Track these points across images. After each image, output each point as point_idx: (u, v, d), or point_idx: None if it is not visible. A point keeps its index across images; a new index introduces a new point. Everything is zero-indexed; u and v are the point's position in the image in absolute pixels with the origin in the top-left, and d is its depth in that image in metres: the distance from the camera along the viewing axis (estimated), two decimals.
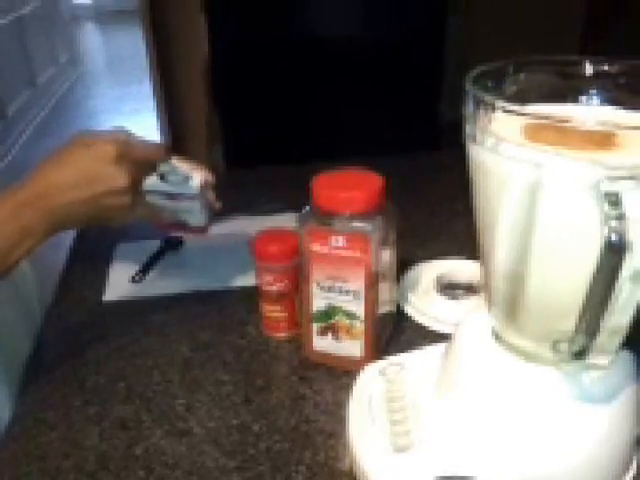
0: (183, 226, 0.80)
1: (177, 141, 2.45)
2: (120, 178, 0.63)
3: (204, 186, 0.77)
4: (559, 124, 0.35)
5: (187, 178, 0.76)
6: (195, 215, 0.78)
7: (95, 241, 0.98)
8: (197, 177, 0.76)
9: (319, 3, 1.88)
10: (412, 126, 1.96)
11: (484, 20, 2.48)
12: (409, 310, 0.78)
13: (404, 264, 0.82)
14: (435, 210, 1.05)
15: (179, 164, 0.76)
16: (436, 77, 2.01)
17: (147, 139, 0.69)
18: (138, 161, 0.65)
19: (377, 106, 1.95)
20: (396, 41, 1.95)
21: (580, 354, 0.38)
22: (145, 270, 0.89)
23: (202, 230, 0.82)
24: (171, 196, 0.76)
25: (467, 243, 0.90)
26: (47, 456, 0.61)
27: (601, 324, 0.36)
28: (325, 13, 1.88)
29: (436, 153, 1.35)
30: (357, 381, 0.60)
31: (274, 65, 1.95)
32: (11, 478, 0.59)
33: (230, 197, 0.87)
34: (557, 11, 2.55)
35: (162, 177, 0.75)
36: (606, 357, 0.40)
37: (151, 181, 0.74)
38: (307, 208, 0.66)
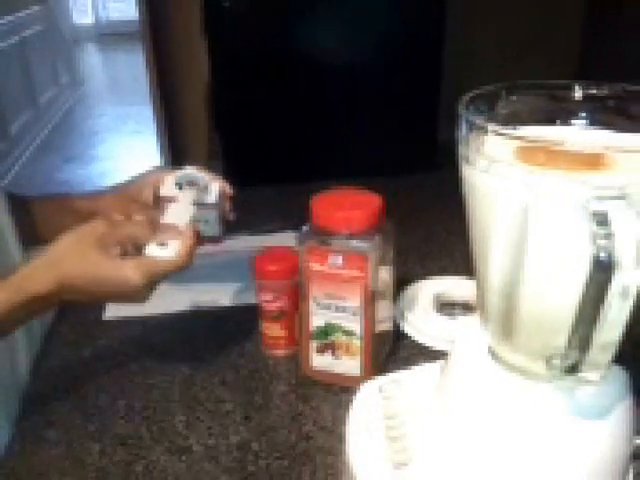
0: (197, 236, 0.80)
1: (177, 161, 2.47)
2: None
3: (222, 196, 0.78)
4: (549, 146, 0.36)
5: (205, 187, 0.76)
6: (211, 225, 0.78)
7: None
8: (215, 187, 0.76)
9: (319, 26, 1.91)
10: (410, 146, 1.98)
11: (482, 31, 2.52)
12: (407, 328, 0.78)
13: (402, 282, 0.83)
14: (432, 229, 1.06)
15: (198, 173, 0.77)
16: (433, 99, 2.03)
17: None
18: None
19: (376, 127, 1.98)
20: (395, 64, 1.98)
21: (572, 369, 0.39)
22: None
23: (216, 240, 0.82)
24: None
25: (464, 261, 0.91)
26: (48, 473, 0.61)
27: (592, 340, 0.37)
28: (325, 35, 1.90)
29: (433, 173, 1.36)
30: (355, 398, 0.61)
31: (274, 85, 1.97)
32: None
33: None
34: (554, 38, 2.59)
35: (180, 186, 0.75)
36: (598, 372, 0.40)
37: (169, 189, 0.74)
38: (306, 227, 0.67)
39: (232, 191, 0.80)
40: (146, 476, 0.60)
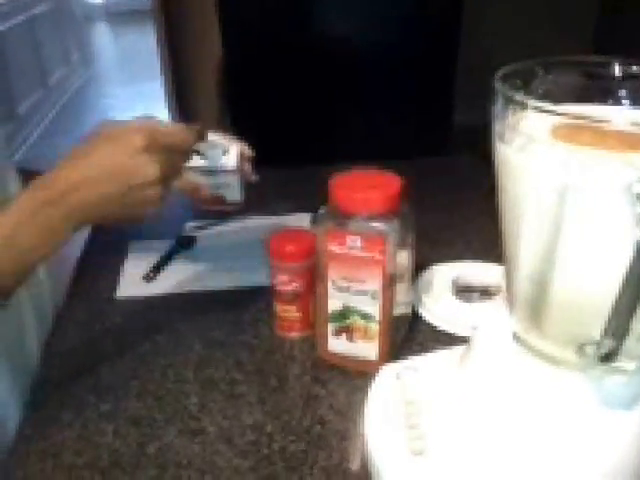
0: (220, 201, 0.78)
1: None
2: (149, 169, 0.59)
3: (241, 159, 0.76)
4: (592, 124, 0.34)
5: (225, 152, 0.74)
6: (233, 189, 0.77)
7: (108, 239, 0.98)
8: (234, 150, 0.75)
9: (333, 7, 1.88)
10: (425, 131, 1.95)
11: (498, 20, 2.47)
12: (424, 312, 0.77)
13: (419, 266, 0.81)
14: (449, 214, 1.04)
15: (216, 138, 0.75)
16: (449, 83, 2.00)
17: (177, 124, 0.67)
18: (168, 149, 0.61)
19: (390, 109, 1.95)
20: (410, 46, 1.95)
21: (607, 358, 0.37)
22: (157, 269, 0.89)
23: (238, 205, 0.80)
24: (209, 172, 0.75)
25: (480, 246, 0.90)
26: (61, 453, 0.60)
27: (630, 328, 0.35)
28: (339, 17, 1.88)
29: (449, 157, 1.34)
30: (373, 384, 0.60)
31: (287, 66, 1.95)
32: (25, 475, 0.58)
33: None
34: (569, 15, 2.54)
35: (200, 153, 0.73)
36: (633, 362, 0.39)
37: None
38: (324, 208, 0.65)
39: (251, 152, 0.79)
40: (159, 457, 0.60)
